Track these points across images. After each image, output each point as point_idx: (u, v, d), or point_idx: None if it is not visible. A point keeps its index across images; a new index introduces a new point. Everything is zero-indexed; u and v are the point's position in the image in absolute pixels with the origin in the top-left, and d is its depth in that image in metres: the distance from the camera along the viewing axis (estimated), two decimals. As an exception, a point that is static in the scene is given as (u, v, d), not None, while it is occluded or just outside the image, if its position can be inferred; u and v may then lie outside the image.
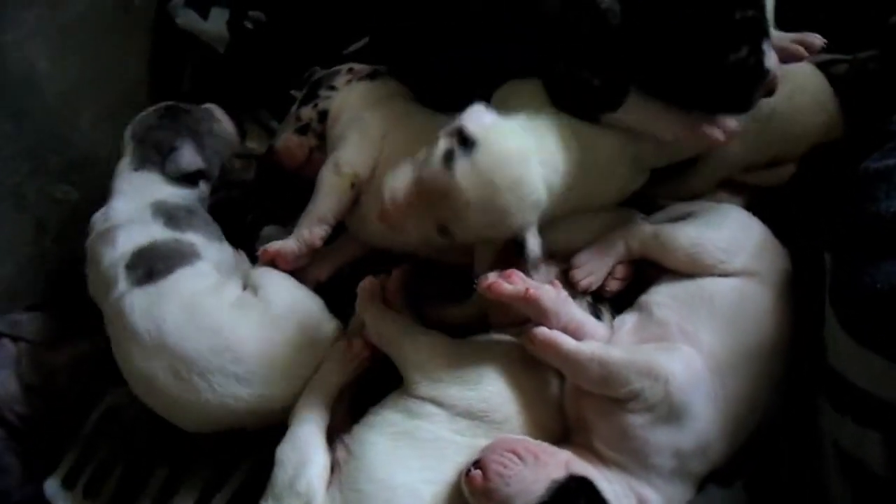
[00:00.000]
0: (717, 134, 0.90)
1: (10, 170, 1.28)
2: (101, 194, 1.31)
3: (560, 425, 0.95)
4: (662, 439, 0.85)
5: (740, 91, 0.88)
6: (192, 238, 1.14)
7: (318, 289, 1.15)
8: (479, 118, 0.91)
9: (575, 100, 0.96)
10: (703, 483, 0.89)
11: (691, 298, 0.93)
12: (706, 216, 0.98)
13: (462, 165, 0.87)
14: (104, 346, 1.24)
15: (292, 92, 1.40)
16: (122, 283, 1.08)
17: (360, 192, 1.15)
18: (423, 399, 0.94)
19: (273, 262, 1.13)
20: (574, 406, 0.93)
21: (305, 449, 0.96)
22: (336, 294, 1.14)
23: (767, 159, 1.10)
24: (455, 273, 1.13)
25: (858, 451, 0.77)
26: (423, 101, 1.24)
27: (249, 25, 1.42)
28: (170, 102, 1.27)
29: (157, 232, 1.13)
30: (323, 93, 1.27)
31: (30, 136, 1.28)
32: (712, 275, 0.94)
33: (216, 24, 1.40)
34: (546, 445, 0.88)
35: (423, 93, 1.26)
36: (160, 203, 1.16)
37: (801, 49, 0.94)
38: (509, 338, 0.99)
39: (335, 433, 1.00)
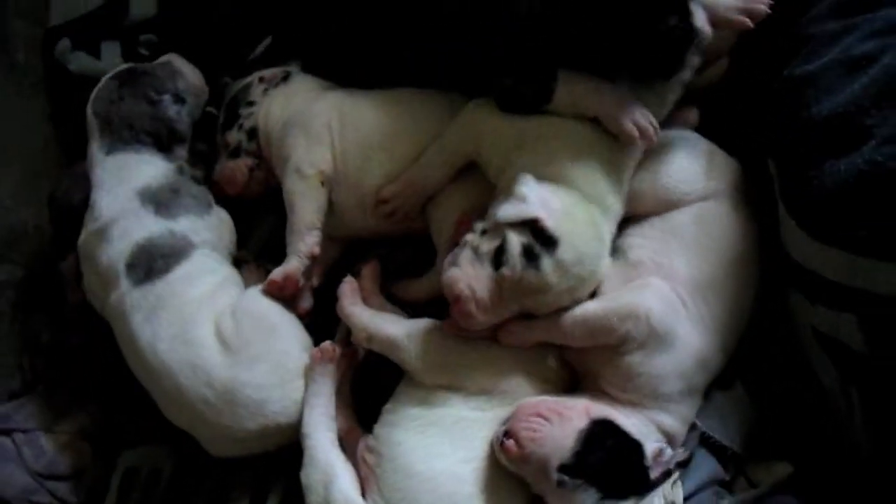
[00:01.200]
0: (634, 133, 0.94)
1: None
2: (45, 263, 1.28)
3: (568, 374, 1.01)
4: (664, 368, 0.92)
5: (672, 57, 0.91)
6: (186, 224, 1.14)
7: (317, 295, 1.17)
8: (547, 205, 0.91)
9: (513, 104, 1.00)
10: (707, 391, 0.98)
11: (661, 234, 0.99)
12: (657, 155, 1.02)
13: (548, 264, 0.89)
14: (101, 416, 1.27)
15: (208, 109, 1.35)
16: (123, 284, 1.09)
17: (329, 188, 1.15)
18: (433, 387, 0.98)
19: (283, 288, 1.12)
20: (577, 360, 0.99)
21: (327, 466, 0.99)
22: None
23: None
24: (415, 247, 1.18)
25: (836, 333, 0.86)
26: (343, 83, 1.24)
27: (144, 52, 1.36)
28: (127, 66, 1.22)
29: (151, 224, 1.12)
30: (243, 111, 1.25)
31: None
32: (679, 208, 0.99)
33: (110, 59, 1.33)
34: (565, 400, 0.94)
35: (343, 77, 1.25)
36: (146, 189, 1.14)
37: (747, 20, 0.94)
38: None
39: (346, 439, 1.04)
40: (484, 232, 0.94)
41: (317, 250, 1.14)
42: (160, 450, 1.21)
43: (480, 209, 1.04)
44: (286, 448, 1.07)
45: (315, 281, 1.19)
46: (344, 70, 1.26)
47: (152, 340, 1.06)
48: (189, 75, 1.25)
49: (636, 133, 0.94)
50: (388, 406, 1.03)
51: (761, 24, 0.95)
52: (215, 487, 1.16)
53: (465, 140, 1.05)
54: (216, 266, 1.15)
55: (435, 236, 1.14)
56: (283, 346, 1.08)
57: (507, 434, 0.90)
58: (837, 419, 0.90)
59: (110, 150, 1.17)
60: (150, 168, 1.17)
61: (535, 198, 0.91)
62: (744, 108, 1.05)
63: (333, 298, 1.13)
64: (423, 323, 1.03)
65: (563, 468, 0.88)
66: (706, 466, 0.96)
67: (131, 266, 1.10)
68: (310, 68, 1.32)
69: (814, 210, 0.86)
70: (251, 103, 1.25)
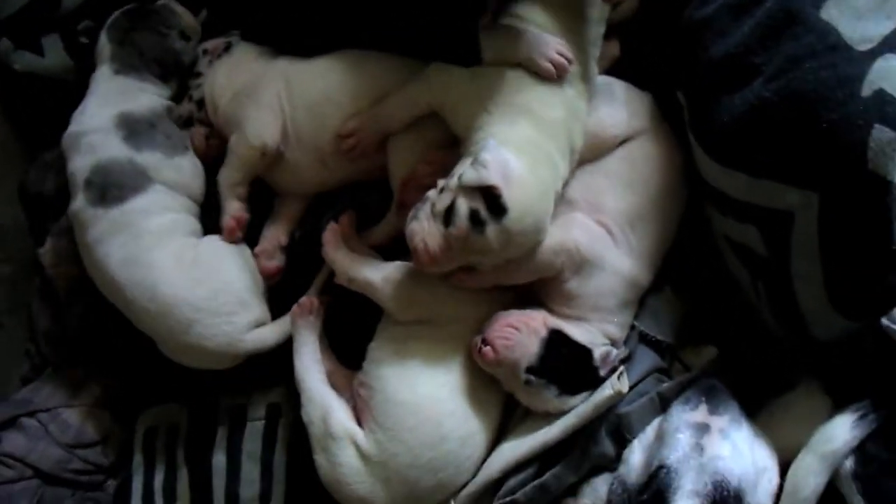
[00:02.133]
0: (551, 70, 1.04)
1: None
2: (29, 258, 1.37)
3: (519, 296, 1.16)
4: (599, 288, 1.09)
5: None
6: (147, 159, 1.24)
7: (287, 252, 1.29)
8: (507, 173, 0.98)
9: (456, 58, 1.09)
10: (642, 298, 1.16)
11: (590, 175, 1.12)
12: None
13: (492, 230, 0.98)
14: (113, 385, 1.40)
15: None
16: (80, 199, 1.21)
17: (279, 152, 1.23)
18: (408, 323, 1.13)
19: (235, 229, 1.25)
20: (526, 288, 1.14)
21: (322, 402, 1.15)
22: (302, 252, 1.28)
23: None
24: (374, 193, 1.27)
25: (743, 239, 1.03)
26: (285, 51, 1.30)
27: (84, 39, 1.39)
28: (134, 4, 1.34)
29: (115, 147, 1.23)
30: (192, 82, 1.34)
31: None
32: (610, 151, 1.12)
33: (54, 54, 1.37)
34: (529, 312, 1.10)
35: (281, 45, 1.31)
36: (126, 114, 1.25)
37: None
38: None
39: (331, 379, 1.18)
40: (442, 190, 1.04)
41: (238, 214, 1.25)
42: (172, 407, 1.35)
43: (433, 160, 1.16)
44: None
45: (283, 239, 1.30)
46: (281, 39, 1.32)
47: (104, 256, 1.19)
48: (186, 16, 1.35)
49: (552, 69, 1.04)
50: (372, 344, 1.17)
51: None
52: (229, 434, 1.30)
53: (432, 94, 1.13)
54: (174, 205, 1.26)
55: (392, 177, 1.23)
56: (226, 278, 1.20)
57: (484, 341, 1.07)
58: (750, 308, 1.08)
59: (119, 71, 1.29)
60: (143, 96, 1.29)
61: (496, 165, 0.98)
62: (652, 45, 1.16)
63: (304, 254, 1.27)
64: (394, 265, 1.15)
65: (529, 369, 1.06)
66: (647, 359, 1.14)
67: (89, 183, 1.21)
68: (248, 38, 1.36)
69: (716, 139, 1.00)
70: (198, 74, 1.33)
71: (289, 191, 1.30)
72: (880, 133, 0.84)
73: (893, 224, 0.86)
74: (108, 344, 1.36)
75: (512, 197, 0.98)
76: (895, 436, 0.95)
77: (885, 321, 0.95)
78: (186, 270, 1.19)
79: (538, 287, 1.12)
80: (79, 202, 1.21)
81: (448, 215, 1.00)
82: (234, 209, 1.25)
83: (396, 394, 1.10)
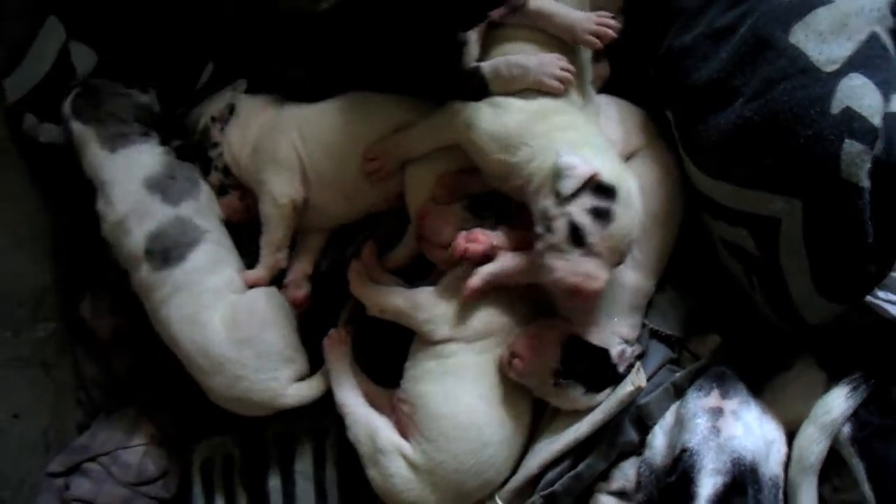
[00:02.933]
0: (560, 86, 1.16)
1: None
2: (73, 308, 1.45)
3: (538, 309, 1.27)
4: (607, 299, 1.20)
5: None
6: (187, 208, 1.35)
7: (313, 281, 1.40)
8: (590, 160, 1.06)
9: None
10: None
11: None
12: None
13: (619, 211, 1.06)
14: (165, 423, 1.51)
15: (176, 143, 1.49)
16: (144, 269, 1.31)
17: (305, 198, 1.34)
18: (443, 342, 1.24)
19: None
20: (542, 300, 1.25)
21: (367, 422, 1.27)
22: (329, 283, 1.40)
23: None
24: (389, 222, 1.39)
25: (736, 240, 1.15)
26: (289, 97, 1.40)
27: None
28: (80, 84, 1.39)
29: (159, 211, 1.33)
30: (212, 153, 1.42)
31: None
32: None
33: None
34: (548, 323, 1.22)
35: (290, 90, 1.41)
36: (150, 178, 1.34)
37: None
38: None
39: (367, 398, 1.30)
40: (546, 229, 1.08)
41: (283, 264, 1.37)
42: (225, 439, 1.46)
43: (447, 184, 1.27)
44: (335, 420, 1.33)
45: (308, 270, 1.41)
46: (287, 86, 1.41)
47: (167, 316, 1.31)
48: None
49: (560, 84, 1.15)
50: (408, 364, 1.29)
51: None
52: (280, 458, 1.43)
53: (454, 129, 1.21)
54: (226, 256, 1.37)
55: (409, 203, 1.32)
56: (270, 339, 1.31)
57: (512, 355, 1.19)
58: (746, 299, 1.21)
59: (114, 148, 1.35)
60: (147, 157, 1.36)
61: (578, 161, 1.05)
62: (638, 68, 1.27)
63: (329, 282, 1.39)
64: (422, 291, 1.27)
65: (555, 373, 1.19)
66: (658, 353, 1.27)
67: (150, 252, 1.31)
68: (255, 85, 1.46)
69: (704, 154, 1.12)
70: (215, 144, 1.41)
71: (313, 227, 1.40)
72: (850, 146, 0.96)
73: (866, 223, 0.99)
74: (158, 386, 1.47)
75: (609, 176, 1.06)
76: (884, 402, 1.09)
77: (869, 298, 1.08)
78: (235, 331, 1.30)
79: (554, 299, 1.23)
80: (143, 272, 1.31)
81: (575, 236, 1.05)
82: (261, 276, 1.37)
83: (439, 408, 1.22)
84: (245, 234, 1.42)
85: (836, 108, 0.98)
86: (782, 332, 1.20)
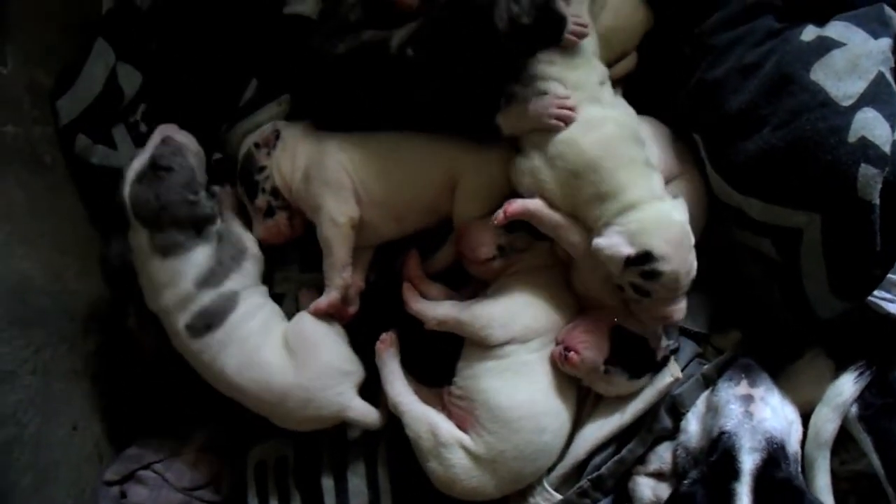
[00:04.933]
0: (559, 124, 1.31)
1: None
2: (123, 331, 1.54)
3: (577, 306, 1.45)
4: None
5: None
6: (230, 284, 1.42)
7: (363, 297, 1.48)
8: (629, 239, 1.25)
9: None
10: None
11: None
12: None
13: (662, 265, 1.25)
14: (215, 430, 1.60)
15: (216, 157, 1.57)
16: (185, 337, 1.39)
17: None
18: (502, 344, 1.38)
19: (328, 313, 1.44)
20: (582, 290, 1.43)
21: (426, 417, 1.38)
22: (380, 294, 1.50)
23: (617, 56, 1.50)
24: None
25: (759, 248, 1.34)
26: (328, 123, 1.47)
27: (143, 127, 1.53)
28: (146, 162, 1.38)
29: (205, 298, 1.40)
30: (259, 177, 1.47)
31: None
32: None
33: (125, 146, 1.51)
34: (594, 316, 1.38)
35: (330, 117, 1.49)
36: (199, 277, 1.40)
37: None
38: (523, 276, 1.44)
39: (419, 395, 1.41)
40: (619, 287, 1.31)
41: (350, 281, 1.43)
42: (278, 441, 1.55)
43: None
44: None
45: (361, 285, 1.50)
46: (332, 116, 1.48)
47: (221, 370, 1.39)
48: (190, 145, 1.44)
49: (560, 122, 1.30)
50: (462, 364, 1.42)
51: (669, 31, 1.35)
52: (334, 459, 1.52)
53: (519, 179, 1.37)
54: (262, 300, 1.46)
55: (455, 216, 1.44)
56: (327, 358, 1.40)
57: (566, 349, 1.34)
58: (764, 299, 1.40)
59: (166, 254, 1.39)
60: (198, 257, 1.40)
61: (605, 242, 1.26)
62: (666, 97, 1.44)
63: (378, 292, 1.51)
64: (475, 303, 1.41)
65: (606, 362, 1.34)
66: (688, 348, 1.45)
67: (190, 327, 1.40)
68: (299, 104, 1.54)
69: (735, 173, 1.31)
70: (262, 168, 1.46)
71: (363, 244, 1.48)
72: (865, 170, 1.16)
73: (876, 234, 1.19)
74: (203, 398, 1.54)
75: (640, 243, 1.25)
76: (884, 385, 1.31)
77: (870, 298, 1.30)
78: (291, 358, 1.40)
79: (590, 285, 1.40)
80: (185, 342, 1.40)
81: (641, 292, 1.28)
82: (334, 298, 1.42)
83: (500, 402, 1.36)
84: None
85: (852, 137, 1.17)
86: (795, 327, 1.39)
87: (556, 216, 1.32)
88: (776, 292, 1.36)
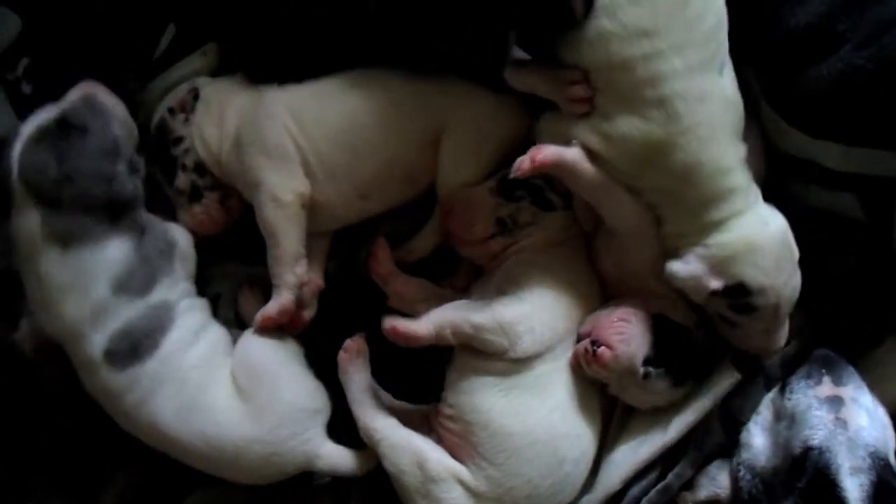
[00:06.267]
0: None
1: None
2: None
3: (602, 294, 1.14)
4: None
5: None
6: (160, 291, 1.10)
7: (323, 296, 1.20)
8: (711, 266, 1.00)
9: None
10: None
11: None
12: None
13: (757, 299, 1.01)
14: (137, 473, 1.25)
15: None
16: (103, 374, 1.06)
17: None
18: (527, 358, 1.06)
19: (279, 322, 1.13)
20: (614, 271, 1.12)
21: (411, 446, 1.08)
22: (341, 291, 1.22)
23: None
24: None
25: (836, 207, 1.06)
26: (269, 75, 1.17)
27: (27, 88, 1.21)
28: (53, 117, 1.06)
29: (126, 309, 1.07)
30: (176, 151, 1.18)
31: None
32: None
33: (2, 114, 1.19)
34: (629, 301, 1.08)
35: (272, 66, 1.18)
36: (117, 279, 1.06)
37: None
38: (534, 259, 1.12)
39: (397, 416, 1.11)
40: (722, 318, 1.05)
41: (306, 278, 1.15)
42: (224, 489, 1.21)
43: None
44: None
45: (320, 283, 1.20)
46: (271, 59, 1.18)
47: (153, 416, 1.07)
48: (118, 112, 1.12)
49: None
50: (452, 375, 1.11)
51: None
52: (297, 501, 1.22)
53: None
54: (203, 318, 1.15)
55: (440, 186, 1.15)
56: (289, 398, 1.10)
57: (595, 343, 1.04)
58: (838, 272, 1.12)
59: (67, 244, 1.04)
60: (114, 252, 1.07)
61: (681, 267, 1.01)
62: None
63: (338, 293, 1.21)
64: (484, 308, 1.07)
65: (647, 361, 1.04)
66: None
67: (110, 353, 1.06)
68: (229, 54, 1.23)
69: (805, 110, 1.02)
70: (179, 139, 1.17)
71: (319, 228, 1.18)
72: None
73: None
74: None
75: (730, 272, 1.01)
76: None
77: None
78: (244, 402, 1.09)
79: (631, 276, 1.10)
80: (102, 377, 1.06)
81: (729, 323, 1.05)
82: (287, 301, 1.13)
83: (505, 426, 1.06)
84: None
85: None
86: (872, 306, 1.11)
87: (599, 175, 1.01)
88: (852, 262, 1.09)
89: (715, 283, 0.99)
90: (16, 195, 1.05)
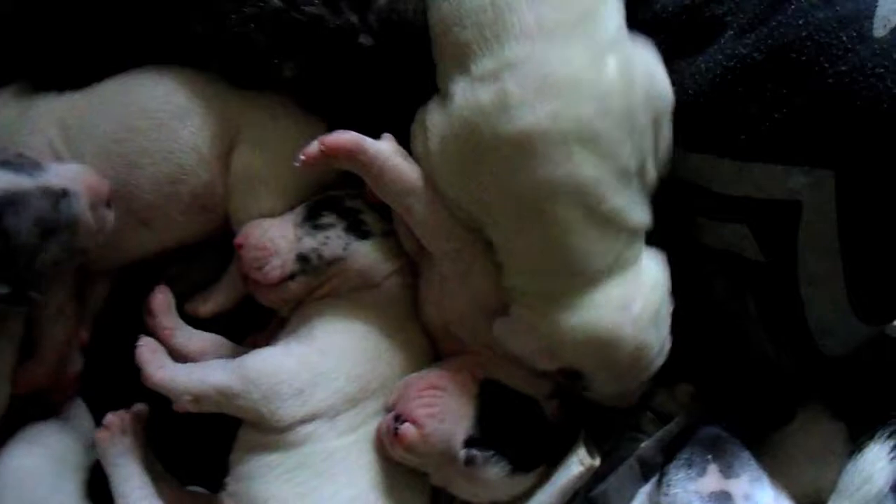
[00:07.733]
0: None
1: None
2: None
3: (431, 350, 0.92)
4: None
5: None
6: None
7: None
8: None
9: None
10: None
11: None
12: None
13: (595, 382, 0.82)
14: None
15: None
16: None
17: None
18: (294, 424, 0.82)
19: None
20: (440, 319, 0.89)
21: None
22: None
23: None
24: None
25: (728, 245, 0.82)
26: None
27: None
28: None
29: None
30: None
31: None
32: None
33: None
34: (449, 364, 0.87)
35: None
36: None
37: None
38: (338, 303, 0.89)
39: None
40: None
41: (68, 332, 0.94)
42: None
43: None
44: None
45: (85, 335, 0.97)
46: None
47: None
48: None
49: None
50: (234, 456, 0.87)
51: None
52: None
53: None
54: None
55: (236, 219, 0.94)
56: None
57: (399, 419, 0.81)
58: (735, 329, 0.88)
59: None
60: None
61: (528, 342, 0.80)
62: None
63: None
64: (256, 354, 0.85)
65: (469, 441, 0.81)
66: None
67: None
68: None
69: (681, 119, 0.79)
70: None
71: (94, 268, 0.95)
72: (908, 80, 0.67)
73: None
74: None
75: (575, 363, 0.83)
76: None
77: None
78: None
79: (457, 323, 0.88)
80: None
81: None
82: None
83: None
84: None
85: (880, 28, 0.69)
86: (779, 372, 0.87)
87: (413, 175, 0.81)
88: (751, 314, 0.85)
89: (545, 364, 0.80)
90: None
